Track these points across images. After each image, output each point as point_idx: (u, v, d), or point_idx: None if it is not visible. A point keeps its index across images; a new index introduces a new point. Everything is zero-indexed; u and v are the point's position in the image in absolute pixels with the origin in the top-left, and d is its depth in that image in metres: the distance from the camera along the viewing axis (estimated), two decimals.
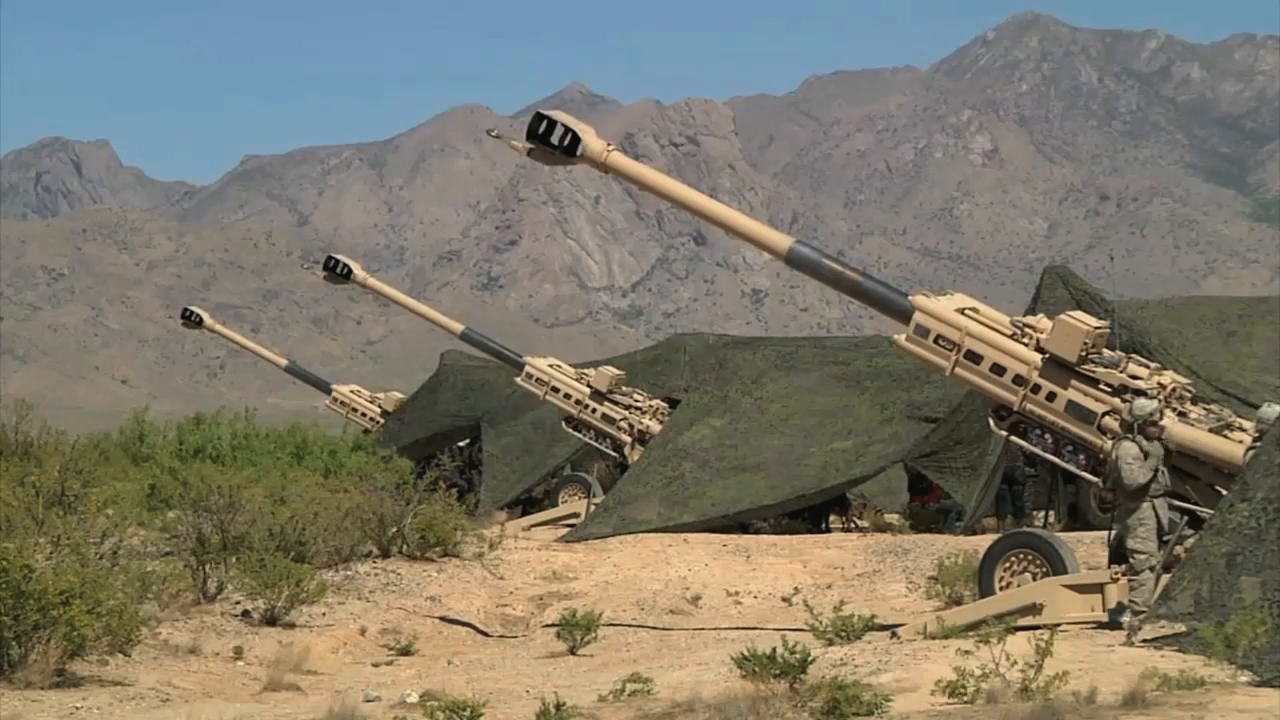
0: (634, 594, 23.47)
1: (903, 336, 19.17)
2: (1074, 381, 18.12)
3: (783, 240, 20.17)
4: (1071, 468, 18.56)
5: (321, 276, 39.00)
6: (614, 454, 34.75)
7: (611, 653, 19.62)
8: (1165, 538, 17.35)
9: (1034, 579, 18.13)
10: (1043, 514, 29.40)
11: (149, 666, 17.29)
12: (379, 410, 45.57)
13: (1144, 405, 17.31)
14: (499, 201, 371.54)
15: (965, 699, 12.55)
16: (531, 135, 20.57)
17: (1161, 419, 17.32)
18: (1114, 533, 17.56)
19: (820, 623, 17.65)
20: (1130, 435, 17.29)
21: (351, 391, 47.12)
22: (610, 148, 20.64)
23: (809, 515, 30.68)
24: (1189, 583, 14.89)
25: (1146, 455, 17.15)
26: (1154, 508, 17.14)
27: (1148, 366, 18.46)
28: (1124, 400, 17.78)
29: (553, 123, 20.46)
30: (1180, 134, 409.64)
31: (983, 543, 21.21)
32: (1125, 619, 16.69)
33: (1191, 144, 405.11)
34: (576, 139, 20.37)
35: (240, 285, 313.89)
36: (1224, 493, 16.32)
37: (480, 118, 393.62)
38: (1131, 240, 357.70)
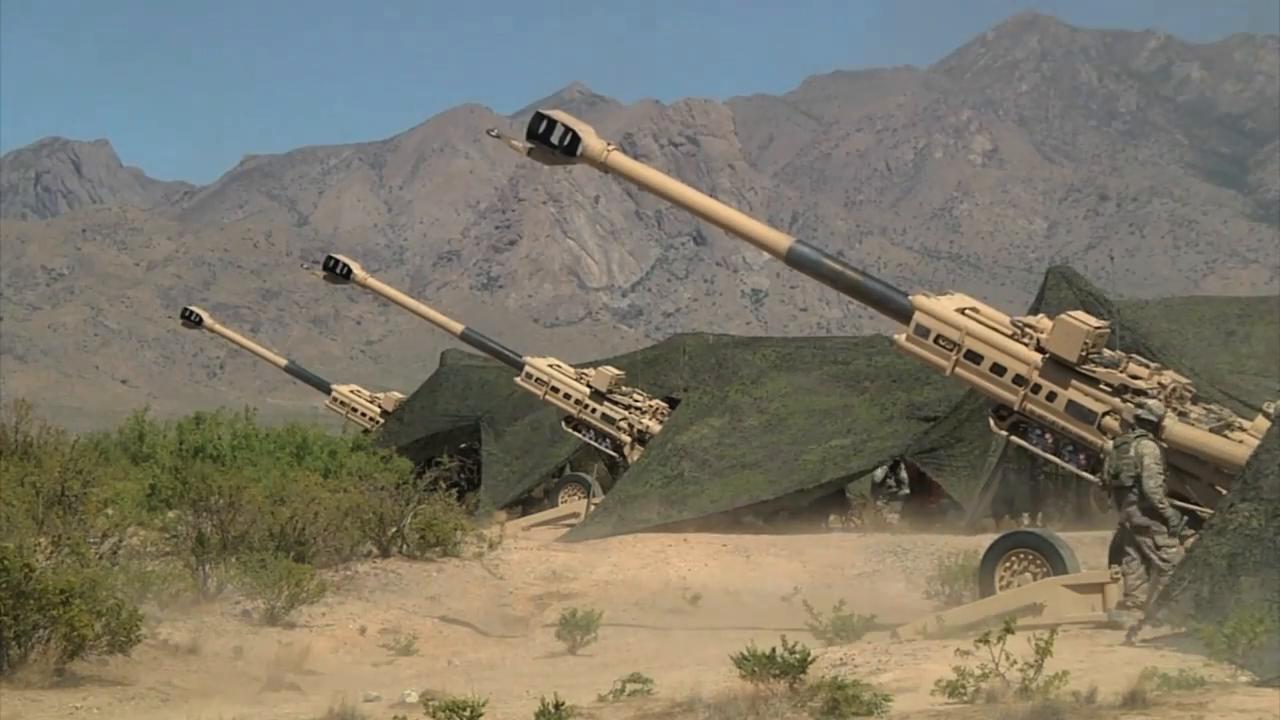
0: (634, 594, 23.46)
1: (903, 336, 19.17)
2: (1074, 381, 18.11)
3: (782, 240, 20.14)
4: (1072, 468, 18.59)
5: (321, 277, 38.97)
6: (614, 454, 34.76)
7: (611, 653, 19.60)
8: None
9: (1034, 579, 18.13)
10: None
11: (149, 666, 17.27)
12: (379, 410, 45.57)
13: (1157, 407, 17.33)
14: (499, 201, 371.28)
15: (965, 699, 12.53)
16: (531, 135, 20.59)
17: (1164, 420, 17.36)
18: (1117, 532, 17.56)
19: (820, 622, 17.65)
20: (1149, 435, 17.29)
21: (351, 391, 47.12)
22: (610, 148, 20.64)
23: (809, 515, 30.70)
24: (1190, 583, 14.87)
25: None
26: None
27: (1148, 366, 18.45)
28: (1124, 400, 17.77)
29: (553, 122, 20.47)
30: (1180, 134, 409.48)
31: (983, 543, 21.20)
32: (1125, 617, 16.70)
33: (1191, 144, 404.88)
34: (576, 139, 20.38)
35: (240, 285, 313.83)
36: (1224, 492, 16.32)
37: (480, 118, 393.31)
38: (1131, 240, 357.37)
